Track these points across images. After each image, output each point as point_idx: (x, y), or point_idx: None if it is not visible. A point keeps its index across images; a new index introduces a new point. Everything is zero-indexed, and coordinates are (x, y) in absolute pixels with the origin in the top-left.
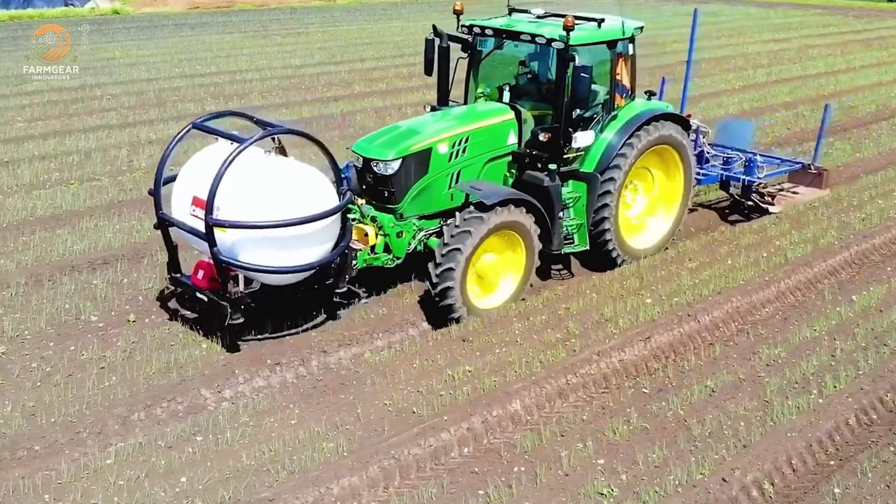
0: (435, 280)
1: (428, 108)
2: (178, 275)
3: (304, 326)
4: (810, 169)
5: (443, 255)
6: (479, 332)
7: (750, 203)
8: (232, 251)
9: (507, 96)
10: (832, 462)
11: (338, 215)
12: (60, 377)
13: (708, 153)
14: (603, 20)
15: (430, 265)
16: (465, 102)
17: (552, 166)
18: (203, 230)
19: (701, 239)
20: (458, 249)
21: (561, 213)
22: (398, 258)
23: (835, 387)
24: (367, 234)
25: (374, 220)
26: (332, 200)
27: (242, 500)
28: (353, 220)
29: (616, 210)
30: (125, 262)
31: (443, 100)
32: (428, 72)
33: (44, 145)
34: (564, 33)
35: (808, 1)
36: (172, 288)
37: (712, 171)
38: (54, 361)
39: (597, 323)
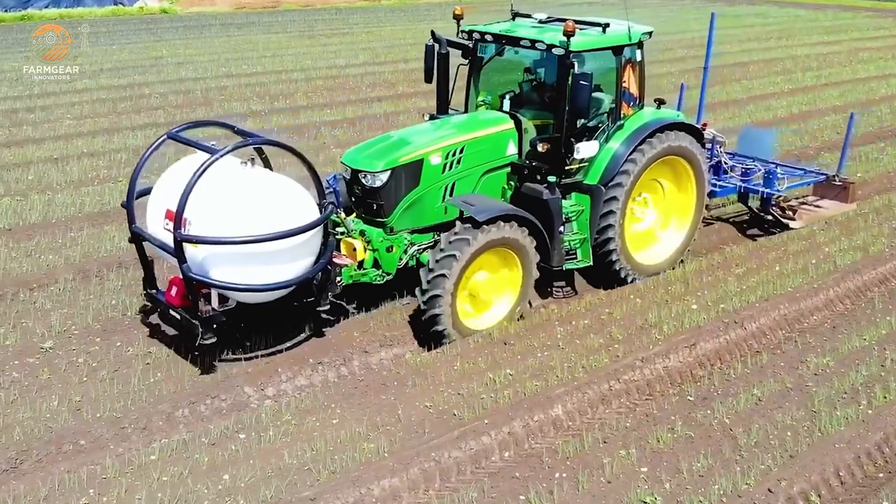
0: (423, 307)
1: (427, 117)
2: (154, 291)
3: (346, 326)
4: (835, 181)
5: (428, 282)
6: (520, 336)
7: (769, 217)
8: (203, 267)
9: (507, 104)
10: (881, 475)
11: (318, 230)
12: (106, 373)
13: (725, 164)
14: (607, 25)
15: (418, 290)
16: (466, 111)
17: (551, 178)
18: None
19: (748, 244)
20: (444, 276)
21: (562, 228)
22: (389, 274)
23: (884, 398)
24: (355, 249)
25: (362, 234)
26: (312, 214)
27: (284, 499)
28: (342, 233)
29: (621, 224)
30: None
31: (442, 108)
32: (428, 79)
33: (92, 143)
34: (565, 39)
35: (858, 3)
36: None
37: (729, 183)
38: (100, 357)
39: (641, 328)
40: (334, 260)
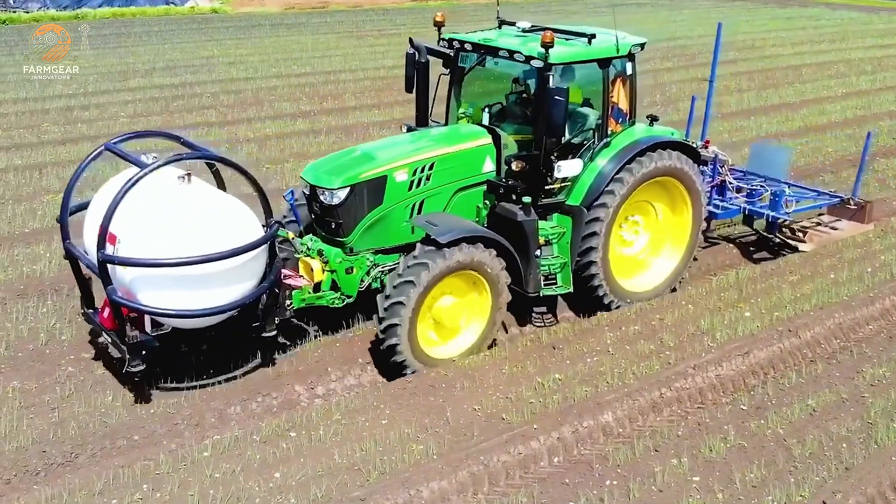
0: (381, 336)
1: (404, 129)
2: (91, 311)
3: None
4: (849, 204)
5: (385, 310)
6: (569, 341)
7: (777, 240)
8: (132, 290)
9: (486, 118)
10: None
11: (262, 251)
12: (160, 370)
13: (730, 184)
14: (593, 36)
15: (376, 317)
16: (447, 123)
17: (526, 199)
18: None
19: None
20: (401, 303)
21: (538, 252)
22: (349, 297)
23: None
24: (312, 270)
25: (321, 253)
26: (253, 234)
27: (334, 498)
28: (301, 252)
29: (605, 248)
30: None
31: (421, 119)
32: (409, 89)
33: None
34: (543, 50)
35: None
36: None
37: (733, 205)
38: (155, 354)
39: (692, 335)
40: (288, 281)
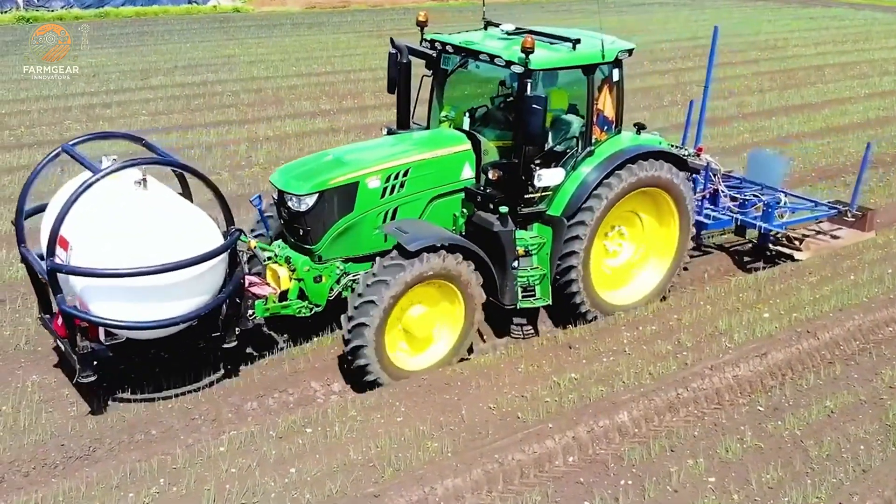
0: (346, 336)
1: (385, 131)
2: (48, 316)
3: None
4: (847, 216)
5: (355, 308)
6: (585, 340)
7: (772, 250)
8: (83, 299)
9: (467, 122)
10: None
11: (220, 260)
12: (178, 364)
13: (723, 192)
14: (578, 41)
15: (343, 318)
16: (428, 126)
17: (503, 209)
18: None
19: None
20: (373, 302)
21: (516, 263)
22: (317, 306)
23: None
24: (279, 278)
25: (288, 261)
26: (211, 243)
27: (349, 493)
28: (268, 259)
29: (586, 260)
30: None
31: (402, 122)
32: (391, 90)
33: (167, 138)
34: (524, 56)
35: None
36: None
37: (724, 215)
38: (173, 349)
39: (710, 336)
40: (253, 290)
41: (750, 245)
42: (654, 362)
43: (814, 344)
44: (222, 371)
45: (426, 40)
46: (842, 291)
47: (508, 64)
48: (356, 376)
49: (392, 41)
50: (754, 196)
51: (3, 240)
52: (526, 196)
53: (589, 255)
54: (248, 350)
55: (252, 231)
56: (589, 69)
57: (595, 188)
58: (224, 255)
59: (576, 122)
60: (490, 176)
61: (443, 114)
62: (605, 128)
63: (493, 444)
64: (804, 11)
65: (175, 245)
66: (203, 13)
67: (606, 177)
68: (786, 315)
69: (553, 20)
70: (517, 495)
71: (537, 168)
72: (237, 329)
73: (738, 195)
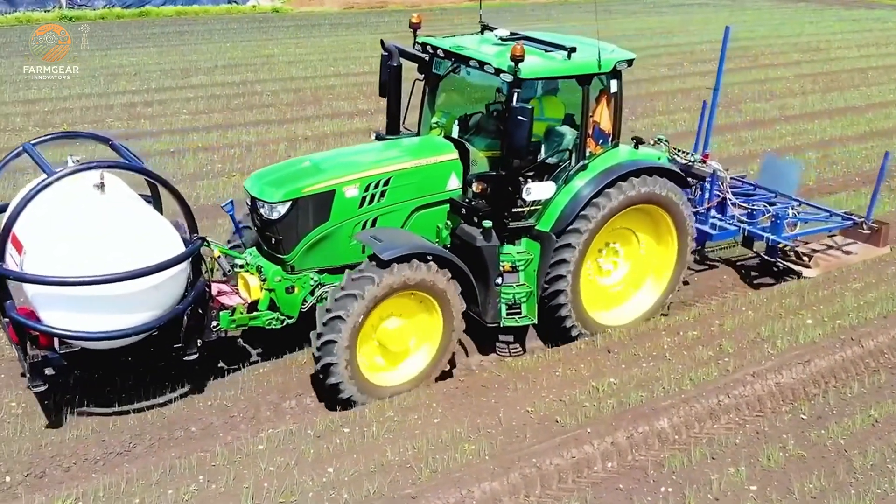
0: (315, 354)
1: (373, 136)
2: (6, 319)
3: None
4: (862, 228)
5: (323, 324)
6: (624, 345)
7: (779, 265)
8: (35, 306)
9: (456, 130)
10: None
11: (177, 269)
12: (217, 362)
13: (731, 201)
14: (574, 49)
15: (312, 334)
16: (419, 132)
17: (487, 223)
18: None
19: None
20: (341, 318)
21: (499, 279)
22: (289, 317)
23: None
24: (250, 287)
25: (260, 269)
26: (170, 251)
27: (386, 494)
28: (240, 267)
29: (575, 278)
30: None
31: (392, 127)
32: (382, 93)
33: (207, 137)
34: (513, 64)
35: None
36: None
37: (731, 225)
38: (213, 347)
39: (752, 342)
40: (221, 299)
41: (757, 259)
42: (695, 368)
43: (858, 352)
44: (262, 369)
45: (418, 43)
46: (887, 298)
47: (497, 71)
48: (329, 395)
49: (382, 42)
50: (764, 206)
51: None
52: (514, 210)
53: (579, 273)
54: (288, 349)
55: (228, 242)
56: (584, 79)
57: (587, 204)
58: (185, 265)
59: (570, 134)
60: (474, 188)
61: (434, 120)
62: (601, 141)
63: (531, 448)
64: (847, 13)
65: (131, 253)
66: (242, 13)
67: (599, 192)
68: (829, 322)
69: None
70: (555, 500)
71: (528, 181)
72: (199, 341)
73: (746, 204)
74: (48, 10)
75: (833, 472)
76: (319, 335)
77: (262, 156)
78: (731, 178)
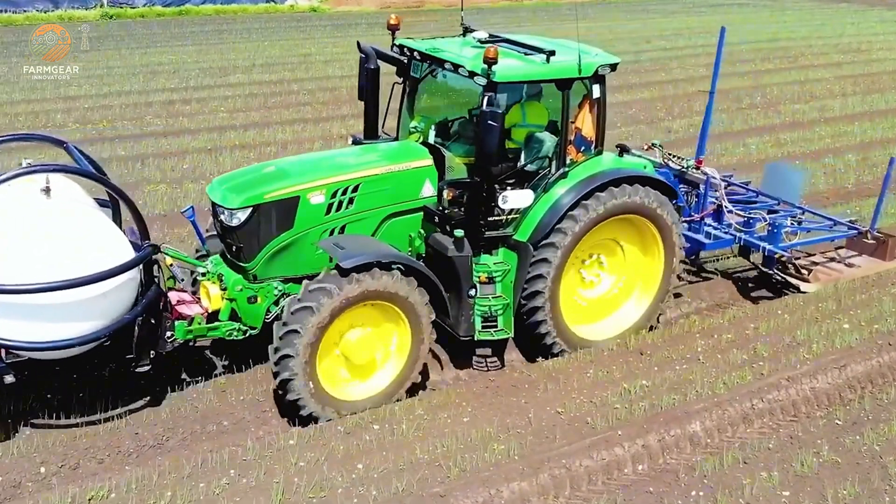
0: (273, 369)
1: (350, 140)
2: None
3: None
4: (867, 238)
5: (279, 338)
6: (657, 347)
7: (778, 277)
8: None
9: (432, 135)
10: None
11: (126, 276)
12: (249, 358)
13: (726, 208)
14: (552, 53)
15: (270, 348)
16: (397, 137)
17: (458, 232)
18: None
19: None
20: (296, 332)
21: (473, 291)
22: (252, 328)
23: None
24: (211, 296)
25: (221, 278)
26: (120, 258)
27: (415, 493)
28: (202, 275)
29: (554, 291)
30: None
31: (370, 131)
32: (361, 96)
33: (244, 135)
34: (486, 66)
35: None
36: None
37: (726, 234)
38: (245, 343)
39: (788, 346)
40: (180, 309)
41: (756, 271)
42: (728, 372)
43: (895, 357)
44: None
45: (396, 45)
46: None
47: (471, 74)
48: (291, 411)
49: (359, 44)
50: (760, 214)
51: None
52: (490, 218)
53: (558, 287)
54: None
55: (197, 251)
56: (564, 84)
57: (566, 213)
58: (134, 273)
59: (551, 141)
60: (445, 195)
61: (413, 125)
62: (583, 148)
63: (561, 449)
64: (890, 14)
65: (76, 260)
66: (280, 12)
67: (580, 201)
68: (866, 326)
69: (615, 21)
70: (584, 502)
71: (506, 188)
72: (151, 352)
73: (743, 212)
74: (90, 8)
75: (867, 478)
76: (276, 350)
77: (298, 154)
78: (737, 185)
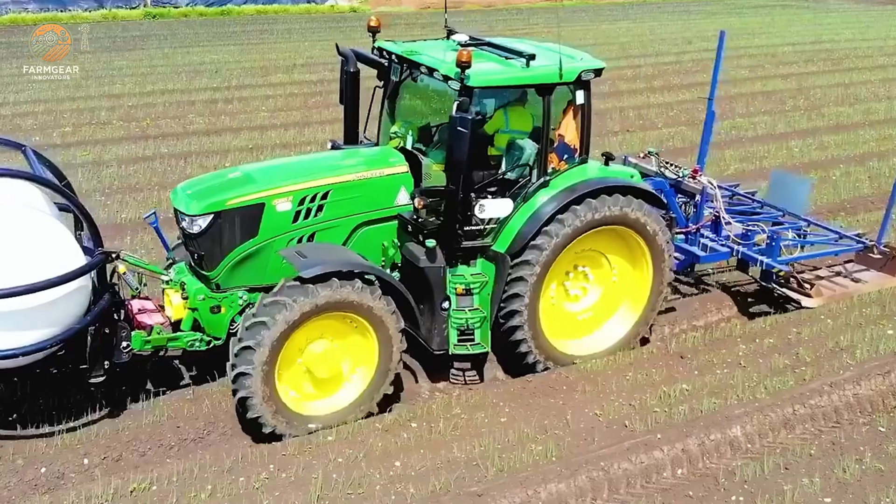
0: (232, 387)
1: (329, 145)
2: None
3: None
4: (873, 252)
5: (235, 355)
6: (698, 350)
7: (778, 291)
8: None
9: (410, 141)
10: None
11: (75, 285)
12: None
13: (724, 220)
14: (533, 57)
15: (228, 365)
16: (378, 142)
17: (429, 242)
18: None
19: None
20: (250, 348)
21: (446, 303)
22: (216, 339)
23: None
24: (173, 306)
25: (183, 287)
26: (69, 266)
27: (452, 491)
28: (165, 283)
29: (533, 305)
30: None
31: (349, 136)
32: (342, 100)
33: (285, 135)
34: (459, 70)
35: None
36: None
37: (723, 246)
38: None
39: (831, 351)
40: (141, 318)
41: (755, 284)
42: (770, 377)
43: None
44: None
45: (375, 48)
46: None
47: (445, 78)
48: (252, 429)
49: (337, 47)
50: (759, 226)
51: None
52: (467, 228)
53: (537, 301)
54: None
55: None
56: (544, 89)
57: (546, 223)
58: (84, 281)
59: (531, 148)
60: (415, 204)
61: (392, 130)
62: (566, 156)
63: (599, 451)
64: None
65: (21, 267)
66: (321, 13)
67: (560, 211)
68: None
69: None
70: None
71: (486, 196)
72: (106, 363)
73: (742, 223)
74: (134, 8)
75: None
76: (232, 367)
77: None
78: (742, 195)
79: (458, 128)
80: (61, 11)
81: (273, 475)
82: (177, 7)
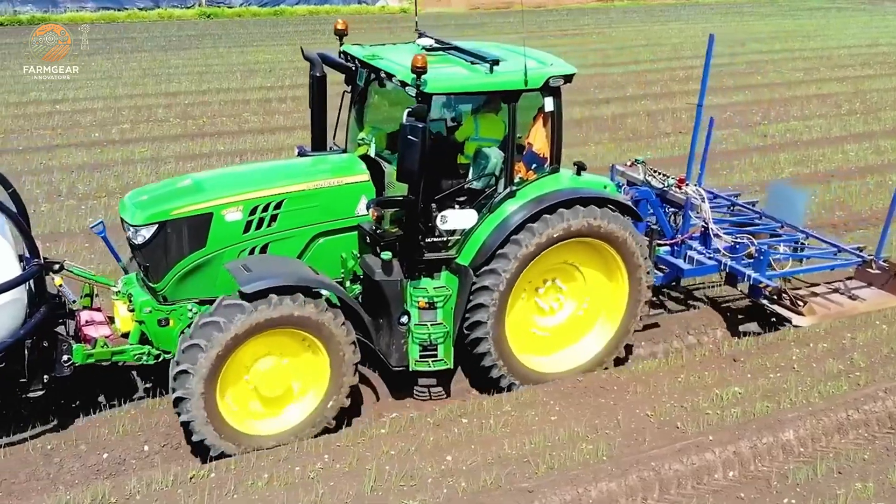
0: (175, 408)
1: (297, 152)
2: None
3: None
4: (871, 267)
5: (174, 378)
6: (751, 354)
7: (770, 309)
8: None
9: (373, 148)
10: None
11: (7, 296)
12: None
13: (713, 232)
14: (497, 62)
15: (170, 387)
16: (346, 149)
17: (385, 254)
18: None
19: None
20: (187, 372)
21: (405, 318)
22: (165, 353)
23: None
24: (120, 318)
25: (131, 298)
26: (1, 276)
27: (503, 486)
28: (114, 295)
29: (499, 317)
30: None
31: (317, 143)
32: (310, 105)
33: (337, 134)
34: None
35: None
36: None
37: (709, 260)
38: None
39: (886, 357)
40: (87, 330)
41: (748, 300)
42: (824, 381)
43: None
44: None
45: (341, 52)
46: None
47: (402, 84)
48: (200, 451)
49: (303, 51)
50: (748, 238)
51: None
52: (428, 240)
53: (503, 316)
54: None
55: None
56: (509, 96)
57: (509, 236)
58: (19, 293)
59: (497, 157)
60: (371, 214)
61: (360, 136)
62: (534, 166)
63: (650, 452)
64: None
65: None
66: (371, 13)
67: (527, 222)
68: None
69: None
70: None
71: (453, 206)
72: (45, 377)
73: (731, 235)
74: (189, 7)
75: None
76: (172, 390)
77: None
78: (742, 205)
79: (409, 136)
80: (118, 11)
81: (328, 465)
82: (231, 7)
